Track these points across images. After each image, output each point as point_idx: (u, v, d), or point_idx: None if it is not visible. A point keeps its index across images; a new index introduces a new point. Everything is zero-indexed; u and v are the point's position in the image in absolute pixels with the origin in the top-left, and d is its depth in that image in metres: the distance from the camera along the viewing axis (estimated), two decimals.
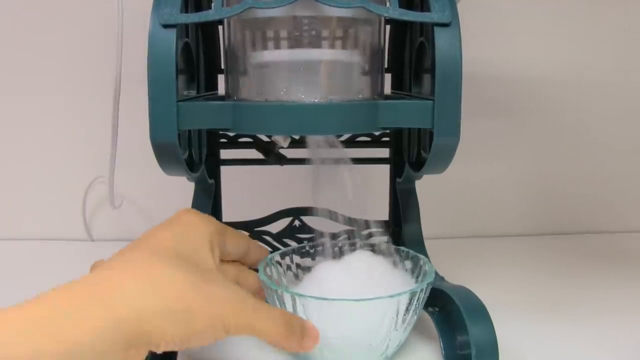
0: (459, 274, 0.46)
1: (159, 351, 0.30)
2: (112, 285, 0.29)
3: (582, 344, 0.43)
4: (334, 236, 0.50)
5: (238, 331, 0.32)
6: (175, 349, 0.30)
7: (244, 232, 0.45)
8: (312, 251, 0.46)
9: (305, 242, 0.47)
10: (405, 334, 0.40)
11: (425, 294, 0.39)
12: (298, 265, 0.46)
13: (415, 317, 0.39)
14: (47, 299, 0.28)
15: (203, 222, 0.38)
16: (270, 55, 0.39)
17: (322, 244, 0.46)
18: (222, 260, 0.38)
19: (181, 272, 0.31)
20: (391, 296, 0.36)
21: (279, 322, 0.33)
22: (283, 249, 0.46)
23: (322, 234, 0.49)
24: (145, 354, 0.29)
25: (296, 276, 0.45)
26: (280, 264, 0.45)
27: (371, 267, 0.42)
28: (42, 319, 0.26)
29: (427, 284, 0.38)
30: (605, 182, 0.73)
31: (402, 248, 0.45)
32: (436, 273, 0.45)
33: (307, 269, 0.44)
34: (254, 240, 0.44)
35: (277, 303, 0.38)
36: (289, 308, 0.37)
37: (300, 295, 0.36)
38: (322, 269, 0.42)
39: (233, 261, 0.41)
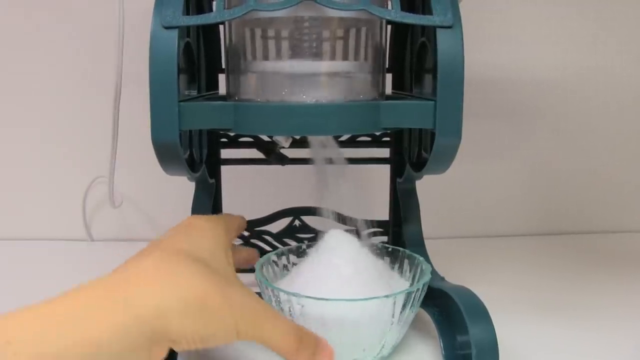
0: (459, 274, 0.46)
1: (179, 350, 0.30)
2: (133, 284, 0.29)
3: (582, 343, 0.43)
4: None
5: (248, 337, 0.32)
6: (195, 347, 0.30)
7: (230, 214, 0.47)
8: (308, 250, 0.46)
9: (305, 242, 0.48)
10: (401, 334, 0.40)
11: (421, 293, 0.39)
12: (294, 264, 0.46)
13: (411, 316, 0.39)
14: (68, 298, 0.28)
15: (212, 226, 0.38)
16: (270, 65, 0.39)
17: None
18: None
19: (200, 272, 0.32)
20: (387, 296, 0.36)
21: (290, 334, 0.33)
22: (281, 247, 0.46)
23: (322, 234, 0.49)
24: (167, 350, 0.30)
25: (287, 268, 0.45)
26: (276, 264, 0.45)
27: (364, 263, 0.42)
28: (65, 317, 0.26)
29: (424, 284, 0.39)
30: (605, 182, 0.73)
31: (399, 248, 0.46)
32: (436, 273, 0.45)
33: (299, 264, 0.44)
34: (236, 215, 0.46)
35: (273, 302, 0.38)
36: (285, 308, 0.37)
37: (297, 295, 0.36)
38: (315, 265, 0.42)
39: None
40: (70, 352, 0.25)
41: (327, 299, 0.36)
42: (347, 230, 0.46)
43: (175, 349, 0.30)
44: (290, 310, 0.37)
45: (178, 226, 0.38)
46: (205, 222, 0.38)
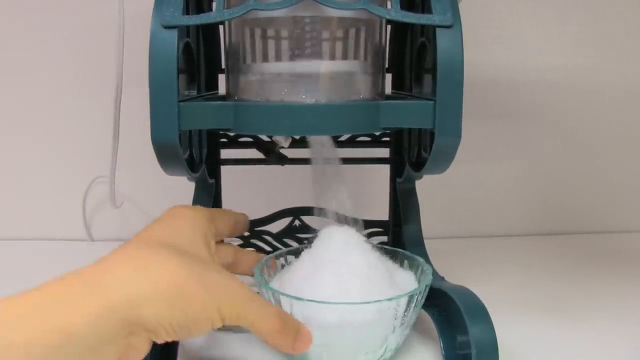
0: (459, 274, 0.46)
1: (160, 340, 0.30)
2: (105, 273, 0.29)
3: (582, 343, 0.43)
4: None
5: (232, 320, 0.32)
6: (176, 337, 0.30)
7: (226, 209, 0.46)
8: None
9: (305, 242, 0.47)
10: (403, 337, 0.39)
11: (423, 295, 0.38)
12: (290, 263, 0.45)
13: (413, 318, 0.39)
14: (40, 290, 0.28)
15: (194, 215, 0.38)
16: (270, 67, 0.39)
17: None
18: (216, 243, 0.39)
19: (175, 259, 0.31)
20: (390, 299, 0.36)
21: (274, 317, 0.33)
22: (283, 248, 0.46)
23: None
24: (147, 341, 0.29)
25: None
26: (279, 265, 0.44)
27: (367, 264, 0.40)
28: (35, 307, 0.26)
29: (425, 286, 0.38)
30: (605, 182, 0.73)
31: (400, 250, 0.45)
32: (436, 273, 0.45)
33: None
34: (236, 212, 0.44)
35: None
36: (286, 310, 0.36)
37: (299, 299, 0.36)
38: (315, 265, 0.40)
39: (224, 243, 0.42)
40: (39, 341, 0.25)
41: (328, 303, 0.35)
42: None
43: (156, 340, 0.30)
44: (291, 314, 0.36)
45: (160, 216, 0.38)
46: (185, 210, 0.38)
